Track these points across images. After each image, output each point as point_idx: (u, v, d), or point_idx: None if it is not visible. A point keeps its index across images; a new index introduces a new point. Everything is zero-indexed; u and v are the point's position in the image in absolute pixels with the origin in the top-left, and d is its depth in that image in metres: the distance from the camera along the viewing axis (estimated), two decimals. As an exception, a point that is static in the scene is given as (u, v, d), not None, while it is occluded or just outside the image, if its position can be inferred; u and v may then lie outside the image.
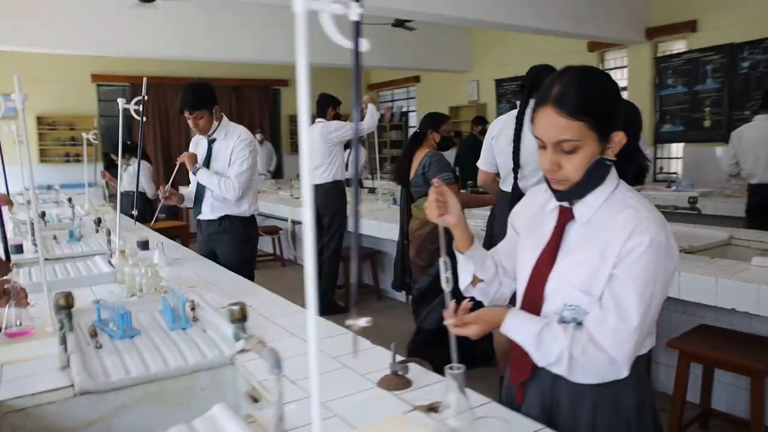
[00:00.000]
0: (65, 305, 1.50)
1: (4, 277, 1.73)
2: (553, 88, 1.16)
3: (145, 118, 2.92)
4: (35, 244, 3.42)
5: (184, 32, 7.29)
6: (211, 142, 3.13)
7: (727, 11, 6.22)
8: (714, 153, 6.33)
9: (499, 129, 2.96)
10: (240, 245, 3.10)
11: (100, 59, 9.21)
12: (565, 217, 1.25)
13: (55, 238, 3.71)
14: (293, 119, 11.14)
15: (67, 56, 8.68)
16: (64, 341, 1.59)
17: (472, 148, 6.80)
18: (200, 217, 3.17)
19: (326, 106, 4.69)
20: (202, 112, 2.99)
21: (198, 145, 3.26)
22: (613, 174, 1.23)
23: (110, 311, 1.87)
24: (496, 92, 9.18)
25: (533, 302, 1.25)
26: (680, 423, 2.48)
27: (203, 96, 3.01)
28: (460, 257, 1.36)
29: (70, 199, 4.84)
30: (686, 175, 6.50)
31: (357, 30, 1.02)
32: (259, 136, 9.01)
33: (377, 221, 4.60)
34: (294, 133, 11.12)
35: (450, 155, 6.95)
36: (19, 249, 3.27)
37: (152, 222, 3.95)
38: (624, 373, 1.14)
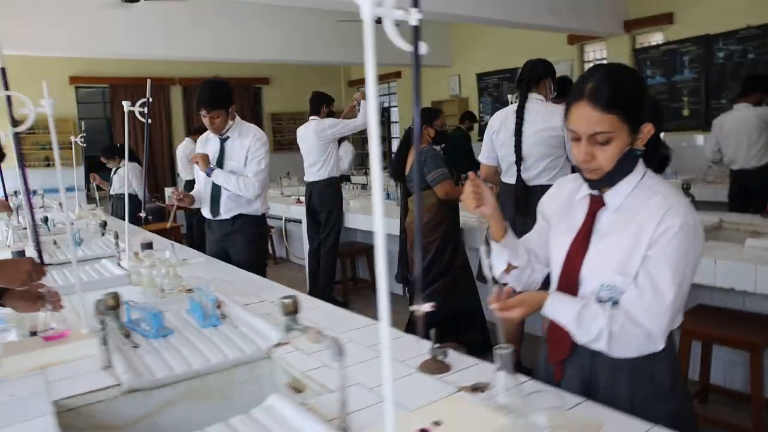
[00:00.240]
0: (114, 305, 1.53)
1: (39, 282, 1.76)
2: (586, 85, 1.24)
3: (150, 120, 2.92)
4: (37, 250, 3.42)
5: (164, 32, 7.26)
6: (223, 141, 3.12)
7: (703, 4, 6.40)
8: (694, 141, 6.52)
9: (500, 123, 3.04)
10: (253, 244, 3.12)
11: (78, 61, 9.09)
12: (596, 205, 1.34)
13: (55, 243, 3.70)
14: (276, 117, 11.13)
15: (45, 59, 8.55)
16: (105, 341, 1.63)
17: (459, 142, 6.90)
18: (213, 217, 3.16)
19: (320, 104, 4.73)
20: (220, 111, 2.99)
21: (207, 143, 3.23)
22: (640, 163, 1.31)
23: (141, 311, 1.91)
24: (477, 86, 9.29)
25: (569, 285, 1.33)
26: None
27: (222, 96, 2.99)
28: (495, 246, 1.44)
29: (60, 204, 4.81)
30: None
31: (416, 34, 1.09)
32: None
33: (371, 216, 4.67)
34: (277, 131, 11.10)
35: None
36: (21, 255, 3.26)
37: (169, 223, 3.95)
38: (660, 345, 1.24)
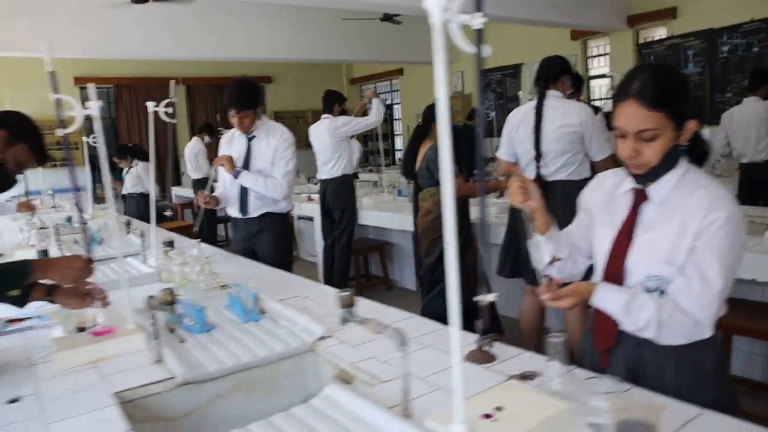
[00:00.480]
0: (170, 301, 1.58)
1: (87, 279, 1.80)
2: (632, 84, 1.29)
3: (175, 120, 2.95)
4: (86, 247, 3.46)
5: (169, 32, 7.28)
6: (250, 140, 3.13)
7: (707, -2, 6.46)
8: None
9: (519, 120, 3.09)
10: (279, 242, 3.15)
11: (83, 62, 9.10)
12: (640, 198, 1.39)
13: (76, 242, 3.74)
14: (279, 115, 11.14)
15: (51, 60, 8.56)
16: (157, 336, 1.67)
17: (466, 139, 6.91)
18: (242, 215, 3.18)
19: (333, 102, 4.77)
20: (249, 111, 3.01)
21: (232, 141, 3.23)
22: (683, 157, 1.36)
23: (183, 307, 1.95)
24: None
25: (615, 276, 1.39)
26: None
27: (251, 96, 3.01)
28: (540, 238, 1.49)
29: (77, 204, 4.84)
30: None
31: (480, 36, 1.13)
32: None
33: (383, 212, 4.73)
34: (280, 129, 11.11)
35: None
36: (44, 254, 3.30)
37: (197, 226, 3.99)
38: (708, 333, 1.30)
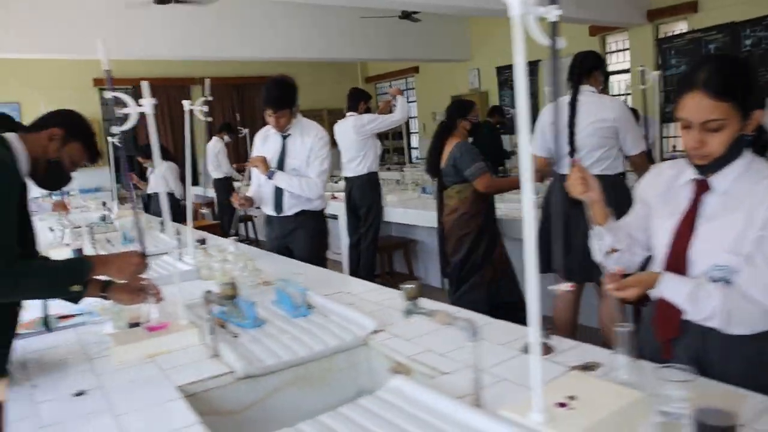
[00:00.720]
0: (232, 295, 1.60)
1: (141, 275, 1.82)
2: (698, 74, 1.29)
3: (211, 118, 2.97)
4: (94, 247, 3.51)
5: (189, 33, 7.33)
6: (285, 138, 3.13)
7: (729, -9, 6.41)
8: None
9: (552, 116, 3.09)
10: (314, 239, 3.16)
11: (101, 63, 9.17)
12: (702, 189, 1.39)
13: (108, 241, 3.79)
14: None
15: (69, 62, 8.66)
16: (213, 331, 1.70)
17: (488, 136, 6.92)
18: (277, 214, 3.19)
19: (358, 100, 4.79)
20: (285, 111, 3.02)
21: (267, 139, 3.23)
22: (747, 147, 1.36)
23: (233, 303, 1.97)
24: (497, 79, 9.32)
25: (677, 266, 1.39)
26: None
27: (288, 95, 3.01)
28: (599, 229, 1.50)
29: (104, 203, 4.91)
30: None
31: (554, 29, 1.14)
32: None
33: (408, 209, 4.74)
34: (296, 128, 11.16)
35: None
36: (79, 252, 3.34)
37: (233, 229, 4.02)
38: None
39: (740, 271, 1.30)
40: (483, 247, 3.47)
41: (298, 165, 3.10)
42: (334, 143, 4.95)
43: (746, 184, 1.33)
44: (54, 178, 1.83)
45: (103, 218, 4.13)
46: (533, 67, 8.75)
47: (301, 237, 3.16)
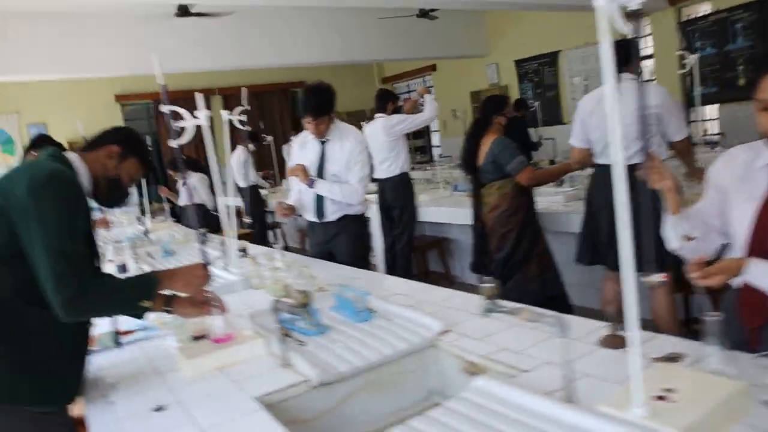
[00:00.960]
0: (306, 303, 1.59)
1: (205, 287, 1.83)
2: None
3: (248, 127, 2.98)
4: (137, 262, 3.54)
5: (207, 44, 7.36)
6: (323, 143, 3.12)
7: (754, -32, 6.29)
8: (751, 111, 6.39)
9: (593, 105, 3.05)
10: (357, 243, 3.16)
11: (123, 79, 9.28)
12: (781, 171, 1.36)
13: (149, 254, 3.81)
14: (313, 120, 11.23)
15: (91, 80, 8.78)
16: (283, 340, 1.69)
17: (515, 130, 6.86)
18: (319, 220, 3.19)
19: (386, 102, 4.78)
20: (325, 118, 3.01)
21: (305, 146, 3.22)
22: None
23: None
24: (517, 73, 9.25)
25: (761, 251, 1.36)
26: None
27: (327, 101, 3.00)
28: (674, 218, 1.47)
29: (138, 218, 4.95)
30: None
31: (637, 16, 1.13)
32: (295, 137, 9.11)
33: (442, 208, 4.72)
34: (316, 134, 11.20)
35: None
36: (123, 269, 3.37)
37: (278, 241, 4.03)
38: None
39: None
40: (526, 242, 3.45)
41: (338, 171, 3.09)
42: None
43: None
44: (114, 195, 1.84)
45: (146, 232, 4.16)
46: (554, 57, 8.70)
47: (343, 241, 3.15)
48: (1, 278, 1.49)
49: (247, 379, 1.63)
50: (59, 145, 3.91)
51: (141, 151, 1.88)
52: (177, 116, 1.92)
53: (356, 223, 3.16)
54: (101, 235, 4.14)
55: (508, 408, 1.26)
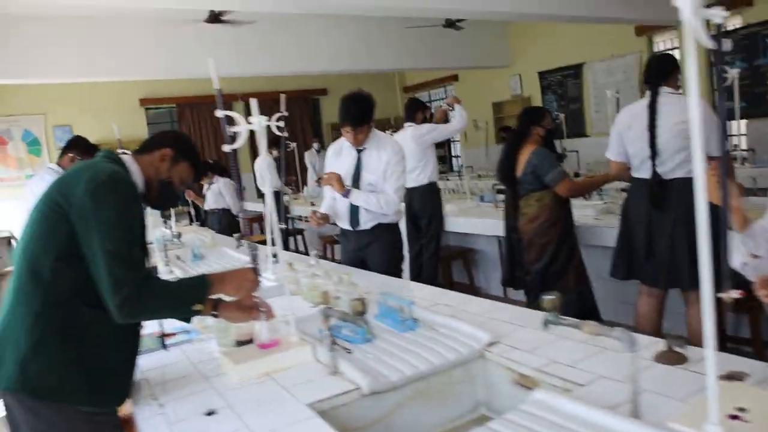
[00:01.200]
0: (362, 311, 1.59)
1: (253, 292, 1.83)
2: None
3: (286, 133, 2.98)
4: (167, 265, 3.55)
5: (232, 50, 7.41)
6: (360, 152, 3.12)
7: (786, -17, 6.25)
8: (781, 126, 6.35)
9: (630, 119, 3.04)
10: (391, 252, 3.15)
11: (147, 83, 9.41)
12: None
13: (179, 257, 3.83)
14: (335, 127, 11.26)
15: (116, 83, 8.89)
16: (332, 348, 1.69)
17: (551, 141, 6.82)
18: (353, 228, 3.19)
19: (415, 110, 4.78)
20: (364, 127, 3.00)
21: (340, 154, 3.21)
22: None
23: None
24: (540, 85, 9.24)
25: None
26: None
27: (367, 111, 2.99)
28: (738, 236, 1.45)
29: (165, 221, 4.98)
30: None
31: (719, 30, 1.12)
32: (316, 145, 9.15)
33: (469, 218, 4.71)
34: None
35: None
36: (155, 271, 3.38)
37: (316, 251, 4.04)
38: None
39: None
40: (564, 254, 3.45)
41: (374, 180, 3.07)
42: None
43: None
44: (166, 197, 1.85)
45: (179, 236, 4.19)
46: (578, 70, 8.67)
47: (376, 250, 3.14)
48: (59, 278, 1.50)
49: (296, 386, 1.63)
50: (94, 147, 3.97)
51: (192, 156, 1.89)
52: (231, 121, 1.92)
53: (390, 232, 3.14)
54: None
55: (571, 422, 1.24)
